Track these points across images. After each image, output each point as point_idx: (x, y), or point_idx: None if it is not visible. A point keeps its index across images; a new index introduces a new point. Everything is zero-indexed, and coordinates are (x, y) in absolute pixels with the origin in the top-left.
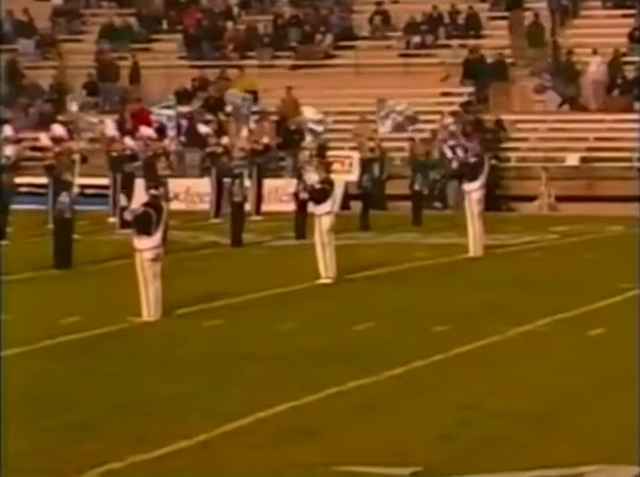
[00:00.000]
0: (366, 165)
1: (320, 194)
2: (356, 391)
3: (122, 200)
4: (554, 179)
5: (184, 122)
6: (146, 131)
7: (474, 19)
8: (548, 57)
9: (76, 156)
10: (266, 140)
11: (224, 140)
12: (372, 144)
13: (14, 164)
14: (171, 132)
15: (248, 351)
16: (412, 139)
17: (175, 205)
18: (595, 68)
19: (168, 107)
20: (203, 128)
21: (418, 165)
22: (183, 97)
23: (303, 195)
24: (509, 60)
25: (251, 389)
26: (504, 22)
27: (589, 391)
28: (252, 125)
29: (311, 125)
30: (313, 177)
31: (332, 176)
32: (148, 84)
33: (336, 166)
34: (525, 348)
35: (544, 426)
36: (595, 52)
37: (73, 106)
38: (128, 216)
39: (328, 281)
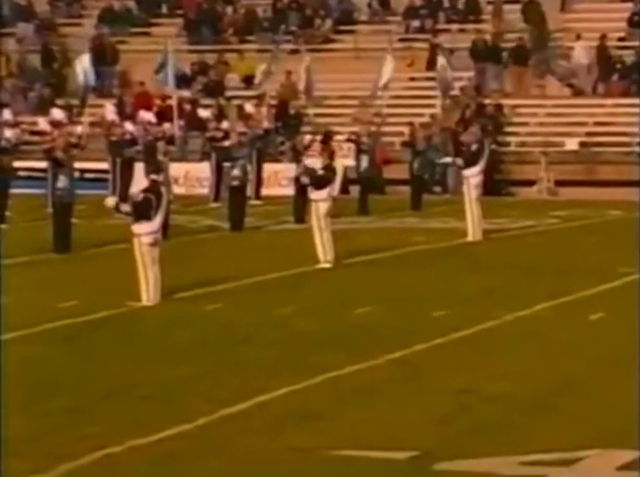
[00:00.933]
0: (362, 150)
1: (322, 180)
2: (355, 376)
3: (110, 201)
4: (553, 164)
5: (187, 107)
6: (146, 115)
7: (474, 3)
8: (546, 42)
9: (74, 140)
10: (265, 124)
11: (224, 124)
12: (372, 128)
13: (14, 148)
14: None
15: (247, 335)
16: (411, 123)
17: (174, 189)
18: (580, 52)
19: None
20: (203, 113)
21: (417, 149)
22: (182, 81)
23: (304, 180)
24: (505, 44)
25: (250, 374)
26: (505, 7)
27: (589, 376)
28: (251, 109)
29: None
30: (314, 163)
31: (335, 164)
32: (147, 68)
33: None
34: (524, 332)
35: (543, 411)
36: (579, 37)
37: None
38: (125, 208)
39: (327, 265)
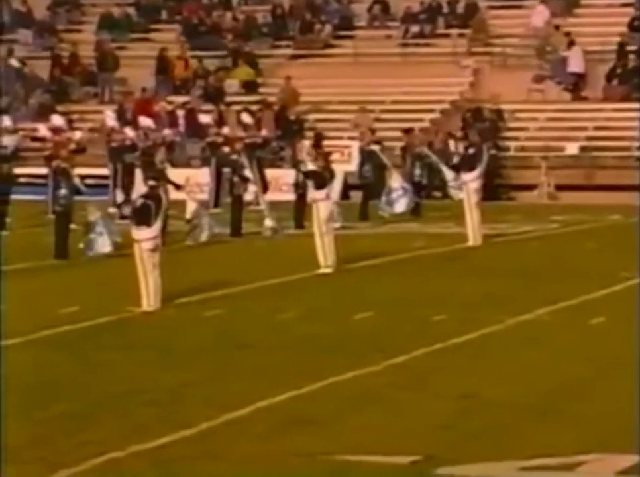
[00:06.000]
0: (366, 155)
1: (319, 178)
2: (356, 381)
3: (119, 196)
4: (553, 168)
5: (180, 113)
6: (145, 121)
7: (473, 8)
8: (546, 46)
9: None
10: (264, 132)
11: (225, 130)
12: (374, 135)
13: (14, 154)
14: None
15: (247, 341)
16: (411, 129)
17: (174, 195)
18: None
19: None
20: (204, 118)
21: (417, 155)
22: (181, 86)
23: (301, 177)
24: (498, 50)
25: (251, 379)
26: (504, 12)
27: (589, 380)
28: (248, 119)
29: None
30: (311, 167)
31: (332, 166)
32: (147, 74)
33: (335, 156)
34: (525, 337)
35: (544, 415)
36: (573, 43)
37: None
38: (126, 211)
39: (327, 270)
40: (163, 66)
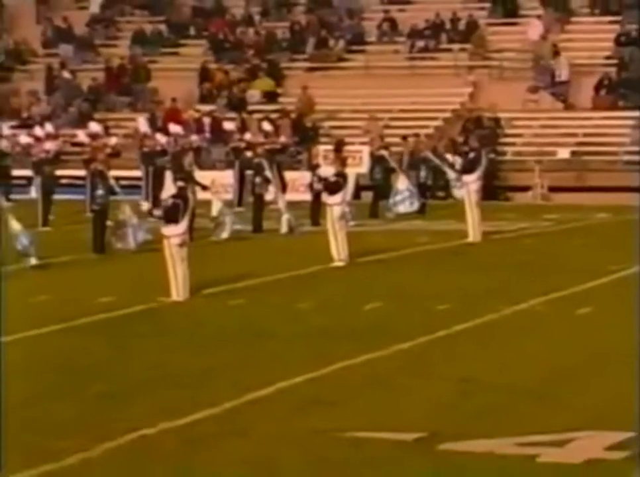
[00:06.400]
0: (376, 159)
1: (334, 185)
2: (366, 365)
3: (145, 205)
4: (546, 171)
5: (206, 120)
6: (175, 128)
7: (473, 25)
8: (540, 59)
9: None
10: (283, 138)
11: (247, 136)
12: (383, 140)
13: (56, 158)
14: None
15: (268, 328)
16: (417, 134)
17: (201, 195)
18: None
19: None
20: (228, 125)
21: (422, 158)
22: (208, 96)
23: (317, 186)
24: (496, 63)
25: (271, 363)
26: (501, 28)
27: (580, 365)
28: (268, 126)
29: None
30: (328, 170)
31: (346, 170)
32: (176, 85)
33: (348, 160)
34: (520, 325)
35: (539, 397)
36: (558, 54)
37: None
38: (157, 213)
39: (341, 264)
40: (205, 76)
